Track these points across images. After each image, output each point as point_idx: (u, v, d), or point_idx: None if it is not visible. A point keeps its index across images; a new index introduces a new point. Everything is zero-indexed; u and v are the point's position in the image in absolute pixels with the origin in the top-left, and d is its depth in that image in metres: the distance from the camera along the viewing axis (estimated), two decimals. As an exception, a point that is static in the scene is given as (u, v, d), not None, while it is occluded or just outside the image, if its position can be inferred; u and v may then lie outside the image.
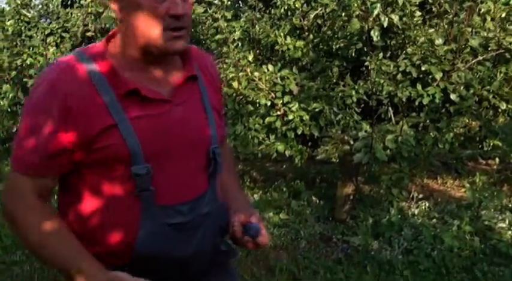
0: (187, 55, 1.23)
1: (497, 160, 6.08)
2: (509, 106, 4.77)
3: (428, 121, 4.70)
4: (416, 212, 4.23)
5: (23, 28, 6.09)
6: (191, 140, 1.21)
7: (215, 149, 1.27)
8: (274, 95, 4.33)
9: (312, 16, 4.77)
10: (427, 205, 4.44)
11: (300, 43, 4.73)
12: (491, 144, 5.52)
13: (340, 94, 4.52)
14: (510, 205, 4.50)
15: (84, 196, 1.16)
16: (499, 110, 4.84)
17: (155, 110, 1.15)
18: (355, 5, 4.01)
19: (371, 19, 4.07)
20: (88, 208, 1.16)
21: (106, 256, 1.16)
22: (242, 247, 1.27)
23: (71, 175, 1.16)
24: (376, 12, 3.88)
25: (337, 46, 4.63)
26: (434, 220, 3.98)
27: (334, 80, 4.69)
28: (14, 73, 5.41)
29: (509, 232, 3.65)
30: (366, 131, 4.35)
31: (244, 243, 1.26)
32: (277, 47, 4.71)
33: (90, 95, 1.09)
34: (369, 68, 4.44)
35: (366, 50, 4.52)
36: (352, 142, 4.36)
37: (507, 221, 3.83)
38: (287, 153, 4.37)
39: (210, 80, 1.31)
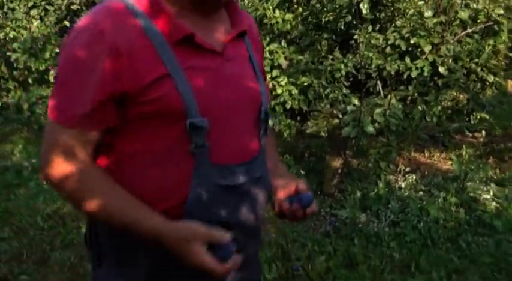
0: (236, 11, 1.16)
1: (483, 132, 6.15)
2: (496, 79, 4.79)
3: (416, 95, 4.71)
4: (403, 185, 4.28)
5: (5, 0, 5.94)
6: (244, 98, 1.13)
7: (266, 109, 1.20)
8: (262, 69, 4.30)
9: (300, -12, 4.70)
10: (414, 177, 4.49)
11: (288, 16, 4.68)
12: (478, 117, 5.57)
13: (329, 68, 4.50)
14: (495, 177, 4.57)
15: (132, 154, 1.06)
16: (487, 83, 4.86)
17: (208, 63, 1.07)
18: (344, -23, 3.96)
19: (360, -9, 4.02)
20: (136, 168, 1.06)
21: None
22: (286, 217, 1.20)
23: (117, 132, 1.05)
24: (365, -16, 3.83)
25: (326, 19, 4.58)
26: (421, 193, 4.03)
27: (323, 54, 4.66)
28: (-4, 47, 5.31)
29: (494, 203, 3.71)
30: (354, 105, 4.34)
31: (293, 213, 1.18)
32: (265, 21, 4.65)
33: (140, 41, 1.00)
34: (358, 41, 4.41)
35: (354, 23, 4.48)
36: (340, 116, 4.37)
37: (491, 193, 3.89)
38: (276, 128, 4.37)
39: (254, 40, 1.26)
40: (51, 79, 6.18)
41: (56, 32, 5.95)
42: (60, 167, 1.01)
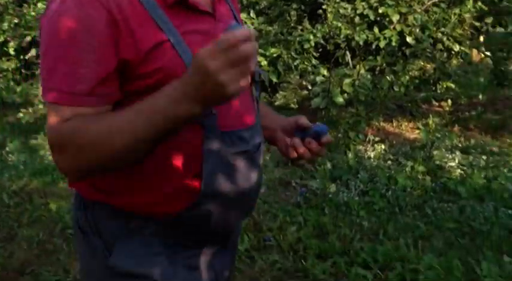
0: None
1: (449, 101, 6.28)
2: (462, 48, 4.87)
3: (384, 65, 4.75)
4: (372, 155, 4.35)
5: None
6: None
7: (260, 70, 1.12)
8: (231, 40, 4.25)
9: (268, -43, 4.62)
10: (382, 147, 4.56)
11: (256, -14, 4.61)
12: (445, 86, 5.69)
13: (298, 39, 4.48)
14: (460, 145, 4.70)
15: None
16: (453, 52, 4.93)
17: (203, 25, 0.99)
18: None
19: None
20: None
21: (171, 198, 0.99)
22: (303, 157, 1.12)
23: (117, 109, 0.94)
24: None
25: (295, -12, 4.53)
26: (389, 162, 4.11)
27: (292, 25, 4.62)
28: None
29: (458, 171, 3.82)
30: (323, 76, 4.36)
31: (309, 148, 1.10)
32: (233, -10, 4.57)
33: (133, 6, 0.91)
34: (326, 11, 4.38)
35: (323, -8, 4.45)
36: (310, 87, 4.38)
37: (457, 160, 4.00)
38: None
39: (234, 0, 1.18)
40: (12, 51, 5.94)
41: (14, 1, 5.70)
42: (64, 137, 0.89)
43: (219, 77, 0.79)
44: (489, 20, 5.24)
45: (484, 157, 4.05)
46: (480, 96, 6.51)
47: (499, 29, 5.97)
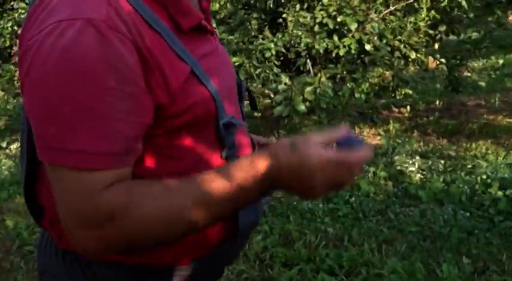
0: None
1: (408, 107, 6.45)
2: (418, 55, 5.02)
3: (345, 72, 4.83)
4: (335, 161, 4.40)
5: None
6: (233, 77, 0.96)
7: (242, 82, 1.04)
8: (192, 50, 4.24)
9: (227, -34, 4.65)
10: (345, 153, 4.62)
11: (217, -5, 4.63)
12: (403, 93, 5.85)
13: (259, 47, 4.51)
14: (419, 150, 4.82)
15: (161, 172, 0.79)
16: (409, 59, 5.08)
17: (208, 45, 0.87)
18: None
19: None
20: None
21: (208, 241, 0.87)
22: None
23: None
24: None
25: (255, -2, 4.58)
26: (351, 168, 4.16)
27: (253, 33, 4.66)
28: None
29: (418, 175, 3.92)
30: (285, 84, 4.40)
31: None
32: None
33: (151, 35, 0.74)
34: (287, 20, 4.44)
35: (283, 1, 4.50)
36: (272, 95, 4.41)
37: (417, 165, 4.10)
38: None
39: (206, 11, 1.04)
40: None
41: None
42: (106, 207, 0.69)
43: (317, 189, 0.73)
44: (442, 28, 5.44)
45: (442, 161, 4.17)
46: (437, 102, 6.72)
47: (452, 37, 6.20)
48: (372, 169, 3.95)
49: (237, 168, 0.75)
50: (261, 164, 0.74)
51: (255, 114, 5.26)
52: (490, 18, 5.68)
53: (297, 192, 0.75)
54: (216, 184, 0.73)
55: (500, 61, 9.20)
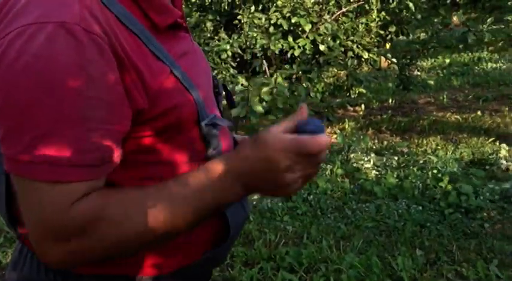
0: None
1: (362, 106, 6.61)
2: (370, 55, 5.16)
3: (300, 72, 4.90)
4: (293, 160, 4.46)
5: None
6: (209, 77, 0.93)
7: (217, 79, 1.00)
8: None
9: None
10: (302, 152, 4.69)
11: (170, -4, 4.61)
12: (357, 92, 6.00)
13: (215, 49, 4.51)
14: (374, 147, 4.96)
15: (142, 178, 0.77)
16: (362, 59, 5.21)
17: (184, 44, 0.83)
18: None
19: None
20: None
21: (192, 248, 0.85)
22: None
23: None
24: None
25: (210, 0, 4.58)
26: (309, 166, 4.23)
27: (209, 35, 4.66)
28: None
29: (374, 172, 4.03)
30: (242, 85, 4.42)
31: None
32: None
33: (126, 35, 0.70)
34: (242, 21, 4.46)
35: (238, 2, 4.53)
36: (230, 91, 4.43)
37: (372, 162, 4.22)
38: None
39: None
40: None
41: None
42: (79, 219, 0.66)
43: (287, 178, 0.70)
44: (392, 29, 5.62)
45: (396, 158, 4.31)
46: (390, 101, 6.93)
47: (402, 38, 6.42)
48: (329, 167, 4.03)
49: (205, 170, 0.73)
50: (226, 162, 0.73)
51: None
52: (436, 19, 5.91)
53: (270, 185, 0.72)
54: (186, 188, 0.72)
55: (447, 60, 9.57)
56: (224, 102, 1.11)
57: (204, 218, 0.74)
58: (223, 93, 1.01)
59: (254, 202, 3.52)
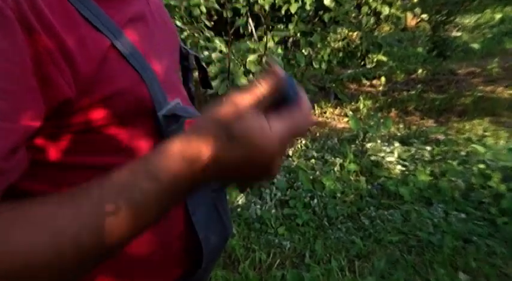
0: None
1: (383, 79, 6.57)
2: (392, 11, 5.09)
3: (299, 35, 4.83)
4: (290, 152, 4.42)
5: None
6: (176, 46, 0.98)
7: (190, 51, 1.06)
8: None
9: None
10: (303, 142, 4.66)
11: None
12: (375, 60, 5.94)
13: (184, 3, 4.43)
14: (399, 134, 4.93)
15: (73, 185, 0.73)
16: (382, 16, 5.14)
17: (137, 4, 0.86)
18: None
19: None
20: None
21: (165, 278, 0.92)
22: None
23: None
24: None
25: None
26: (312, 161, 4.19)
27: (175, -16, 4.56)
28: None
29: (399, 167, 3.99)
30: (221, 52, 4.35)
31: None
32: None
33: (55, 4, 0.70)
34: (220, -36, 4.37)
35: None
36: (204, 67, 4.35)
37: (396, 154, 4.18)
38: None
39: None
40: None
41: None
42: None
43: (278, 162, 0.71)
44: (424, -26, 5.56)
45: (429, 148, 4.27)
46: (419, 71, 6.89)
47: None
48: (338, 161, 3.99)
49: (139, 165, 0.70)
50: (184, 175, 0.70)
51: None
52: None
53: (252, 171, 0.71)
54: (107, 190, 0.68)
55: (498, 16, 9.54)
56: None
57: (156, 221, 0.70)
58: (196, 67, 1.05)
59: (238, 209, 3.48)
